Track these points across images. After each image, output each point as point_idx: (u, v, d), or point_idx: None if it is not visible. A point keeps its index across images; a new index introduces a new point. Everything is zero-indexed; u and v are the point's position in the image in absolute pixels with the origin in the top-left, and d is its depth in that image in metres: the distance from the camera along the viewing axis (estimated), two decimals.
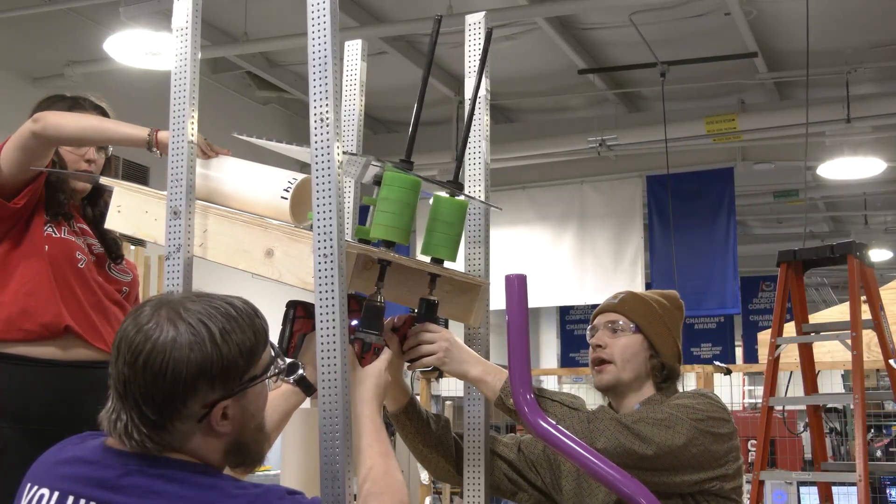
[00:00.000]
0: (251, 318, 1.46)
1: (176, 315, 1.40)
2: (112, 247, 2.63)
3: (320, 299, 1.62)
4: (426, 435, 2.15)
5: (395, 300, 1.94)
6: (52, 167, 2.50)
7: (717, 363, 5.58)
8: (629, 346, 2.19)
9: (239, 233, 1.85)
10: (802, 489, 5.64)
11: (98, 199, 2.64)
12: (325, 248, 1.63)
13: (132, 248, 4.96)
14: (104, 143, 2.55)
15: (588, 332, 2.28)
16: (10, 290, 2.44)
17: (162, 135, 2.25)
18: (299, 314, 1.84)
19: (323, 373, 1.61)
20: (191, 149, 1.92)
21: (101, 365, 2.38)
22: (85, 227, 2.59)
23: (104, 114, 2.62)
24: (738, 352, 11.85)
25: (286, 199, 1.92)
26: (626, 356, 2.19)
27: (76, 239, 2.53)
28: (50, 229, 2.49)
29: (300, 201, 1.94)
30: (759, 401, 4.53)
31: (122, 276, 2.64)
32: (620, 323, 2.21)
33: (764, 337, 5.45)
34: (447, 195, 1.99)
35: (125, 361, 1.40)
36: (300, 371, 1.77)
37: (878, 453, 6.82)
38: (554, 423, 1.89)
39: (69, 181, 2.57)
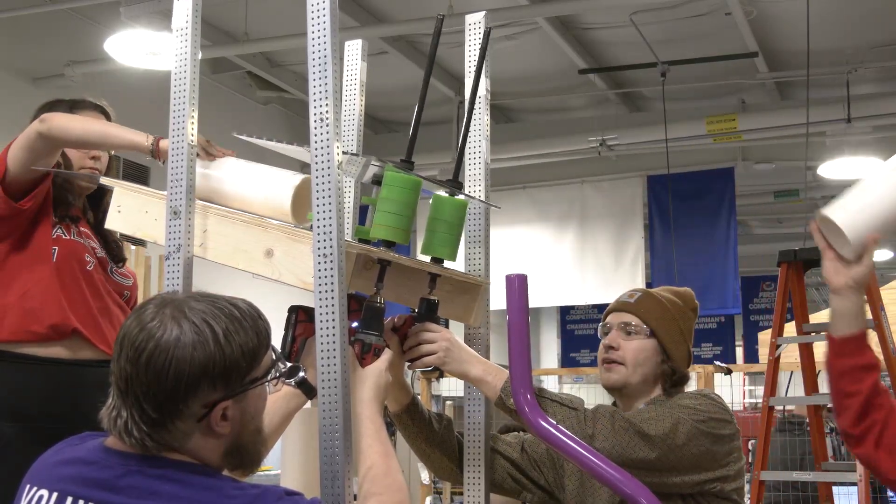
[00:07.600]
0: (254, 320, 1.46)
1: (180, 314, 1.40)
2: (115, 250, 2.63)
3: (320, 299, 1.62)
4: (429, 434, 2.15)
5: (395, 300, 1.94)
6: (57, 167, 2.50)
7: (717, 363, 5.57)
8: (642, 350, 2.16)
9: (239, 233, 1.85)
10: None
11: (101, 202, 2.63)
12: (324, 248, 1.63)
13: (133, 248, 4.96)
14: (107, 149, 2.57)
15: (600, 329, 2.24)
16: (14, 293, 2.43)
17: (163, 143, 2.26)
18: (301, 318, 1.84)
19: (322, 372, 1.60)
20: (191, 149, 1.92)
21: (104, 364, 2.38)
22: (87, 230, 2.59)
23: (104, 112, 2.62)
24: (739, 352, 11.84)
25: (288, 199, 1.92)
26: (637, 360, 2.15)
27: (83, 241, 2.53)
28: (60, 231, 2.49)
29: (301, 202, 1.93)
30: (760, 401, 4.53)
31: (124, 280, 2.65)
32: (634, 325, 2.17)
33: (764, 337, 5.46)
34: (447, 194, 1.99)
35: (128, 358, 1.39)
36: (301, 374, 1.77)
37: None
38: (554, 423, 1.88)
39: (76, 181, 2.57)
